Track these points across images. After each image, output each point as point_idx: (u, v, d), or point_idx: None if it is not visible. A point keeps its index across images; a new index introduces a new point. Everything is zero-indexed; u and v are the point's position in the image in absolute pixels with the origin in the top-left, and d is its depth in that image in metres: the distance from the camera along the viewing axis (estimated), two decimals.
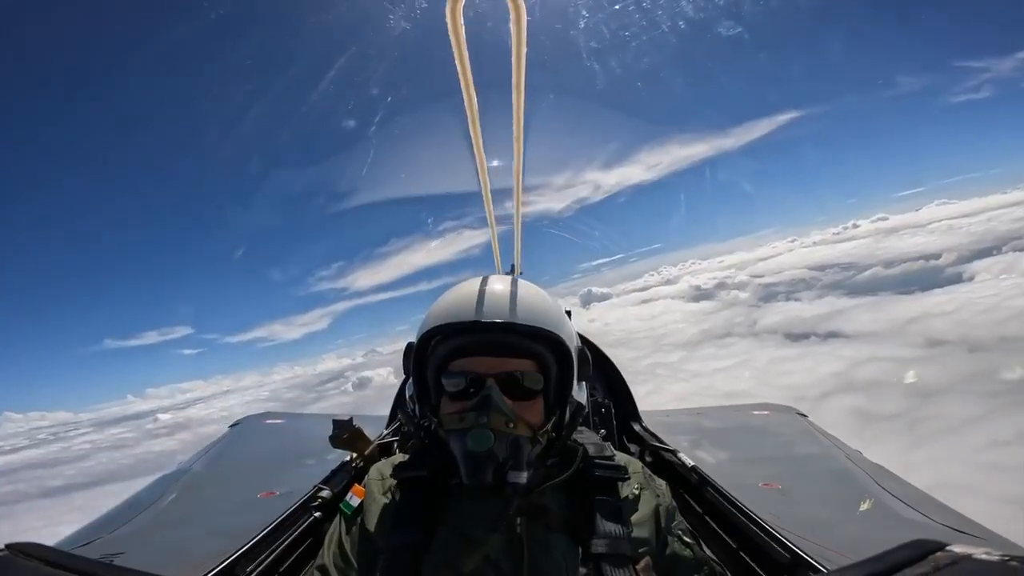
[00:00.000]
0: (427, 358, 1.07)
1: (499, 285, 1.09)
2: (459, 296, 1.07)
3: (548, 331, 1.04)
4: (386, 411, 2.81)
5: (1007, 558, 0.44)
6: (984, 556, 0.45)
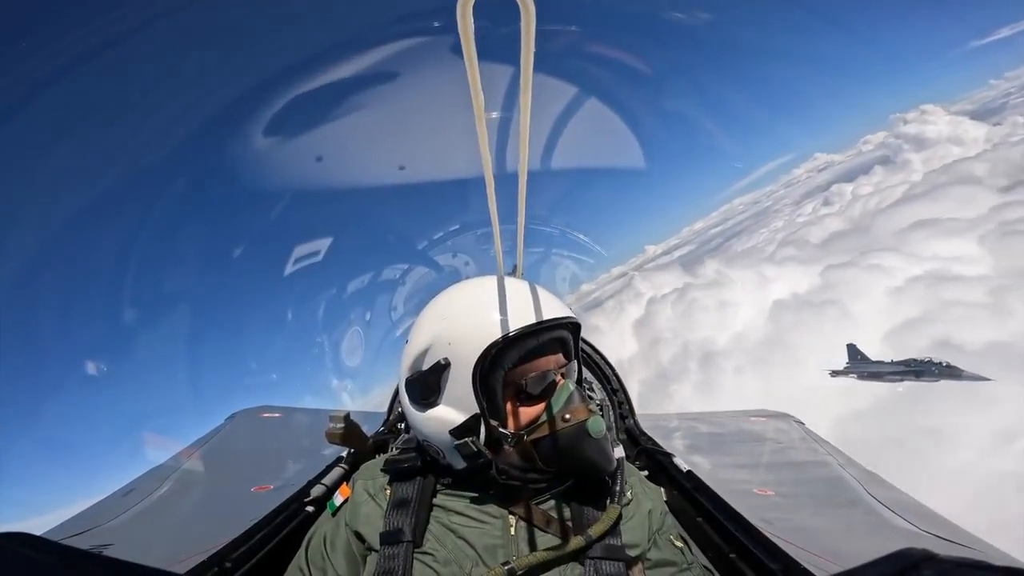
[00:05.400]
0: (488, 371, 1.01)
1: (524, 285, 1.10)
2: (510, 299, 1.05)
3: (579, 325, 1.12)
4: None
5: (993, 568, 0.45)
6: (971, 566, 0.46)
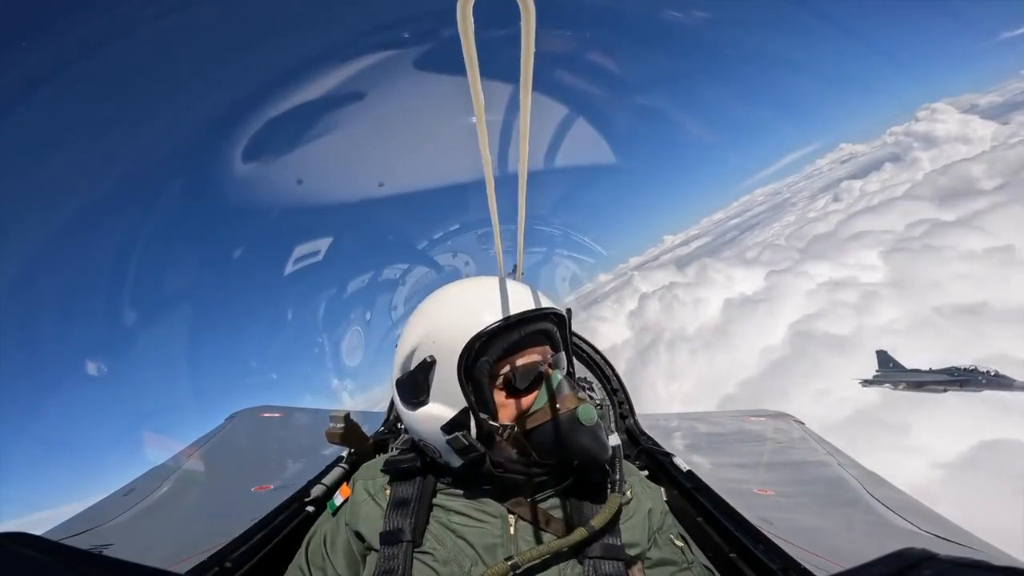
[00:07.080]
0: (472, 364, 1.02)
1: (511, 283, 1.11)
2: (493, 295, 1.06)
3: (563, 316, 1.13)
4: None
5: (993, 568, 0.45)
6: (971, 566, 0.46)
